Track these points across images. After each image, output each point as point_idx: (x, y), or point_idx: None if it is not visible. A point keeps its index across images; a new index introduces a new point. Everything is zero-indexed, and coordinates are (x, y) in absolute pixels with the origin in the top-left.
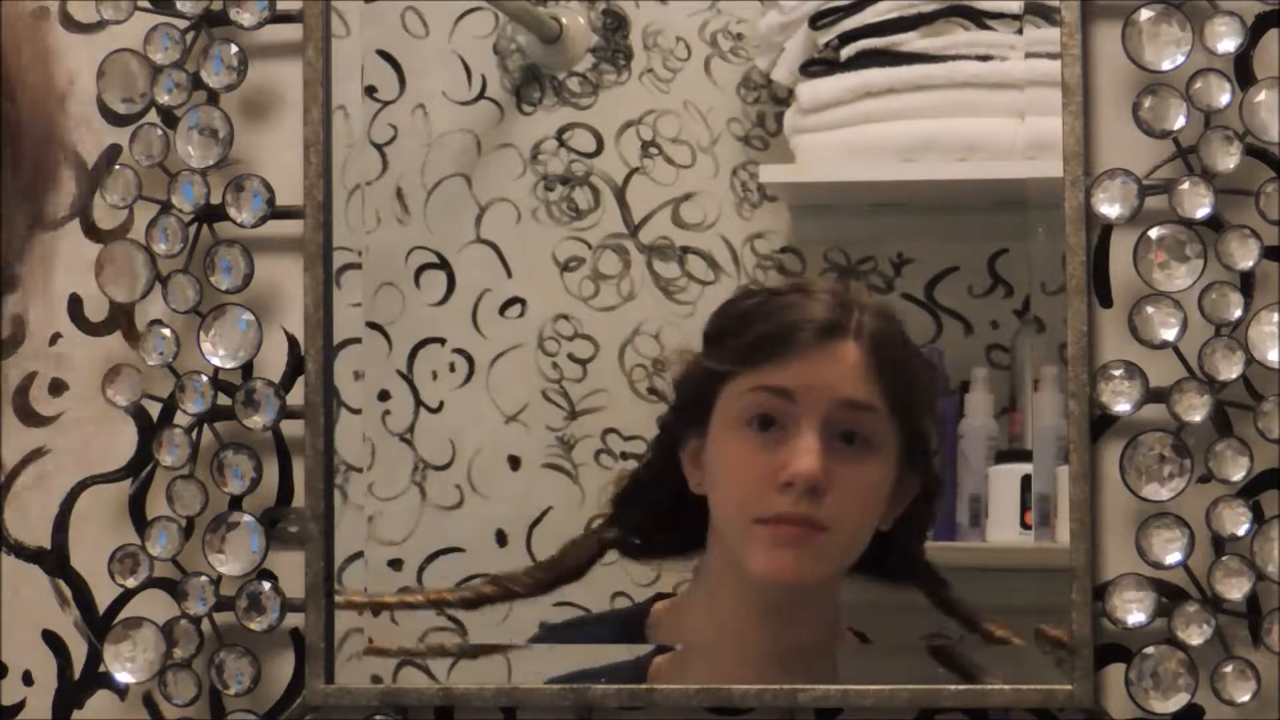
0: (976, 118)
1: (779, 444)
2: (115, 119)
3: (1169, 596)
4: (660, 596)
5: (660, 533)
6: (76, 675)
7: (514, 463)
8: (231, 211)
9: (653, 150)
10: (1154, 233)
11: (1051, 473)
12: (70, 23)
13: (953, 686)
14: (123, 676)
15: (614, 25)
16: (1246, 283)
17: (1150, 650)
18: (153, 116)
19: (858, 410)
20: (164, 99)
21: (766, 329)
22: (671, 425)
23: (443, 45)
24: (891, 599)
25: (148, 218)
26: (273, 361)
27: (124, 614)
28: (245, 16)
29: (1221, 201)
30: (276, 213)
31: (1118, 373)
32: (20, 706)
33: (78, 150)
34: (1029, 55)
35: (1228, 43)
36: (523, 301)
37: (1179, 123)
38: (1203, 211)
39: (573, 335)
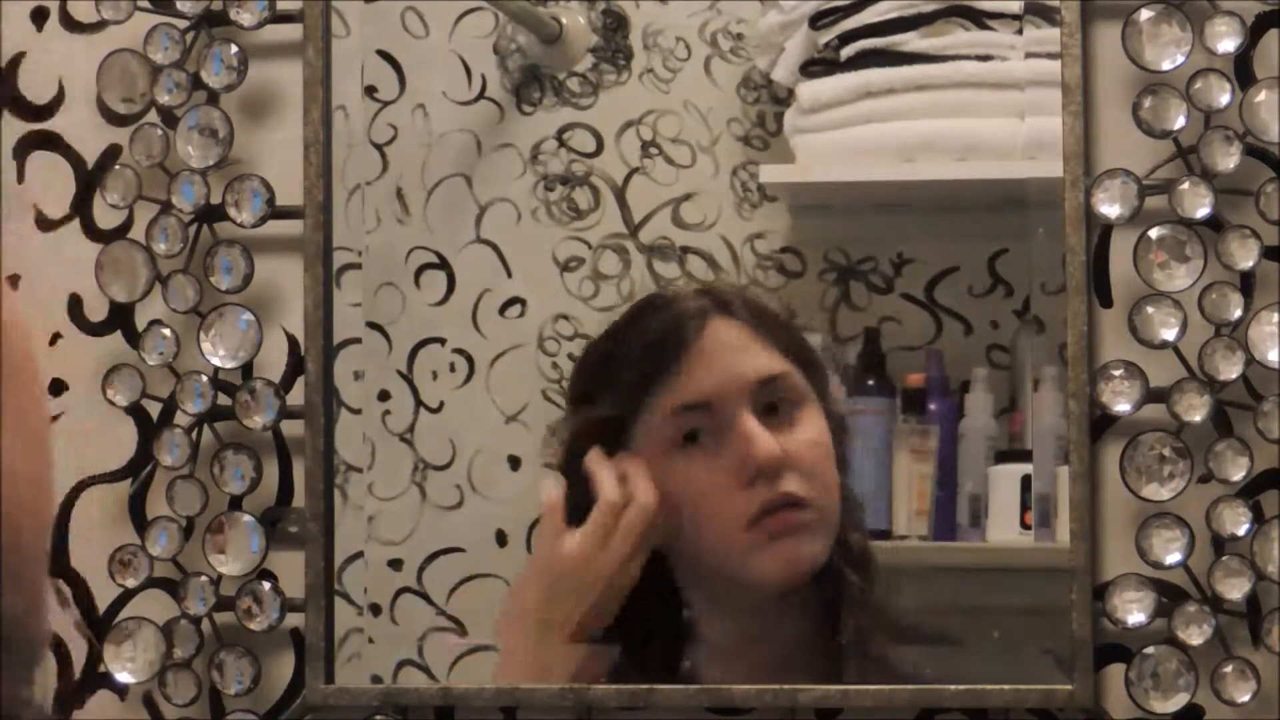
0: (976, 118)
1: (719, 447)
2: (115, 119)
3: (1169, 596)
4: None
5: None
6: (76, 675)
7: (514, 463)
8: (231, 211)
9: (653, 150)
10: (1154, 233)
11: (1051, 473)
12: (70, 23)
13: (953, 686)
14: (123, 677)
15: (614, 25)
16: (1246, 283)
17: (1150, 650)
18: (153, 116)
19: (774, 381)
20: (164, 99)
21: (644, 351)
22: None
23: (443, 45)
24: None
25: (148, 218)
26: (273, 361)
27: (124, 614)
28: (245, 16)
29: (1221, 201)
30: (276, 213)
31: (1118, 373)
32: None
33: (79, 153)
34: (1029, 55)
35: (1228, 43)
36: (523, 301)
37: (1179, 123)
38: (1203, 211)
39: (573, 335)
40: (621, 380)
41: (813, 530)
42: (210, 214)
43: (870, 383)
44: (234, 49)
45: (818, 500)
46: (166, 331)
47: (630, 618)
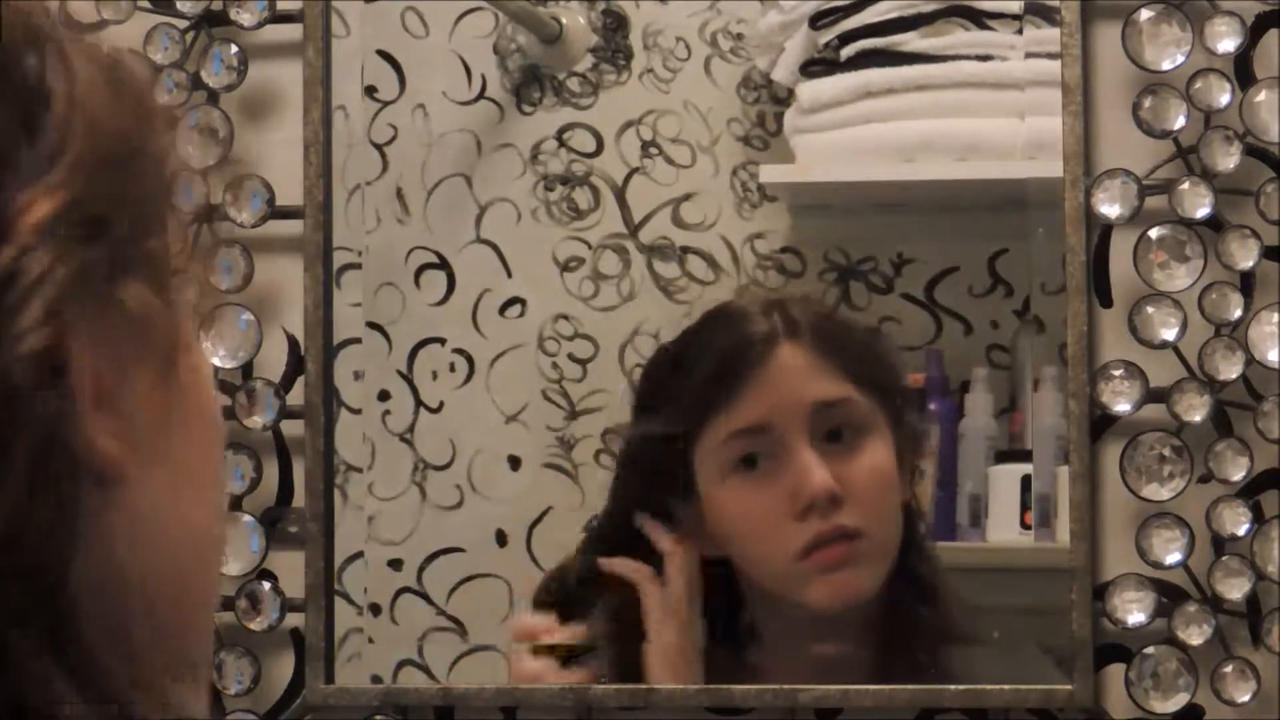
0: (976, 118)
1: (776, 475)
2: None
3: (1169, 596)
4: None
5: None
6: None
7: (514, 463)
8: (231, 211)
9: (653, 150)
10: (1154, 233)
11: (1051, 473)
12: (70, 23)
13: (953, 687)
14: None
15: (614, 25)
16: (1246, 283)
17: (1150, 650)
18: None
19: (833, 408)
20: (164, 99)
21: (707, 371)
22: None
23: (443, 45)
24: None
25: None
26: (273, 361)
27: None
28: (245, 16)
29: (1221, 201)
30: (276, 213)
31: (1118, 373)
32: None
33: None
34: (1029, 55)
35: (1228, 43)
36: (523, 301)
37: (1179, 123)
38: (1203, 211)
39: (573, 335)
40: (684, 397)
41: (866, 562)
42: (210, 214)
43: None
44: (234, 49)
45: (873, 531)
46: None
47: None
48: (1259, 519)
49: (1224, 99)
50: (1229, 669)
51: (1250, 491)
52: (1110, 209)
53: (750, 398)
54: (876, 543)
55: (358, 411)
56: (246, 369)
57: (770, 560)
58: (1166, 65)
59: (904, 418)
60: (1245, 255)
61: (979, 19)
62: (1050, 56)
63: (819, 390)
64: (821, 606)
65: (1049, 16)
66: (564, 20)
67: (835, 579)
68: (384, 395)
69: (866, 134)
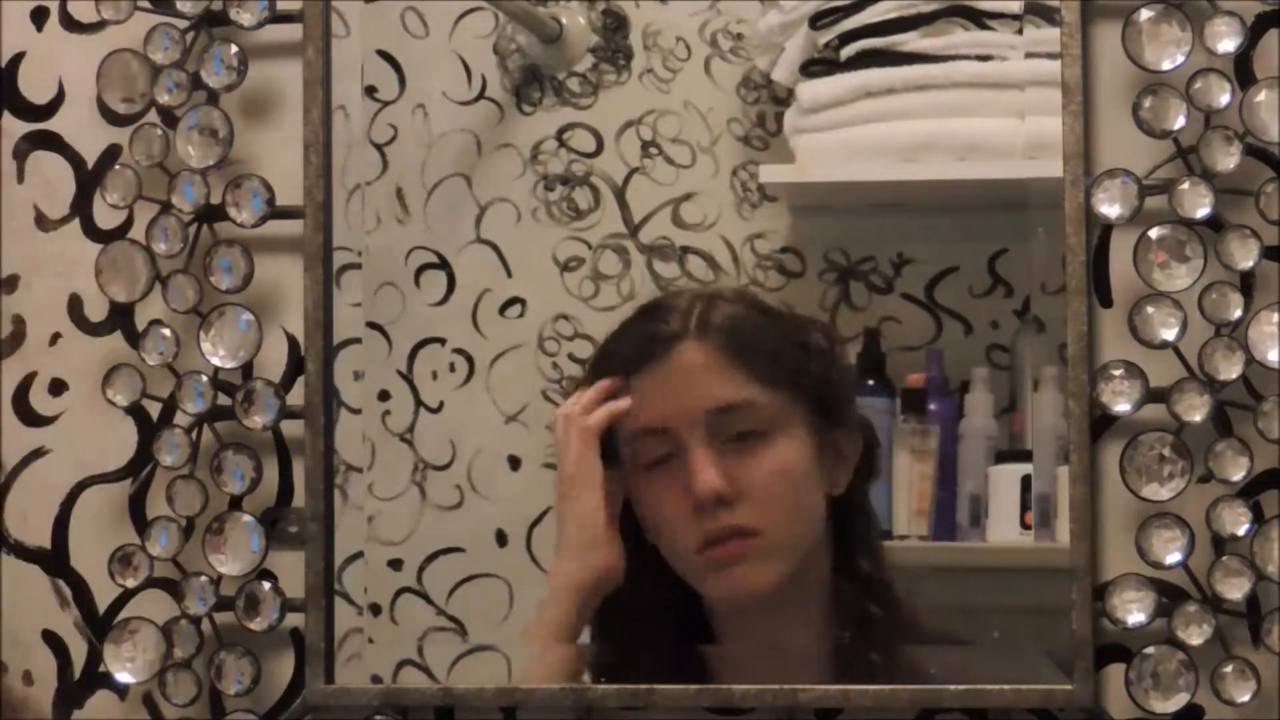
0: (976, 118)
1: (677, 472)
2: (115, 119)
3: (1169, 596)
4: None
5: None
6: (77, 675)
7: (514, 463)
8: (231, 211)
9: (653, 150)
10: (1154, 233)
11: (1051, 473)
12: (70, 23)
13: (953, 686)
14: (123, 676)
15: (614, 25)
16: (1246, 283)
17: (1150, 650)
18: (153, 116)
19: (731, 410)
20: (164, 99)
21: (617, 367)
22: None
23: (443, 45)
24: None
25: (148, 218)
26: (273, 361)
27: (124, 614)
28: (245, 16)
29: (1221, 201)
30: (276, 213)
31: (1118, 373)
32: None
33: (79, 153)
34: (1029, 55)
35: (1228, 43)
36: (523, 301)
37: (1179, 123)
38: (1203, 211)
39: (573, 335)
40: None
41: (763, 558)
42: (210, 214)
43: (870, 383)
44: (234, 49)
45: (770, 528)
46: (166, 331)
47: (646, 614)
48: (1259, 519)
49: (1224, 99)
50: (1229, 669)
51: (1250, 491)
52: (1110, 209)
53: (652, 398)
54: (774, 540)
55: (358, 411)
56: (246, 369)
57: (678, 553)
58: (1166, 65)
59: (830, 413)
60: (1245, 255)
61: (979, 19)
62: (1050, 56)
63: (716, 393)
64: (720, 600)
65: (1049, 16)
66: (564, 20)
67: (729, 574)
68: (384, 395)
69: (866, 134)
